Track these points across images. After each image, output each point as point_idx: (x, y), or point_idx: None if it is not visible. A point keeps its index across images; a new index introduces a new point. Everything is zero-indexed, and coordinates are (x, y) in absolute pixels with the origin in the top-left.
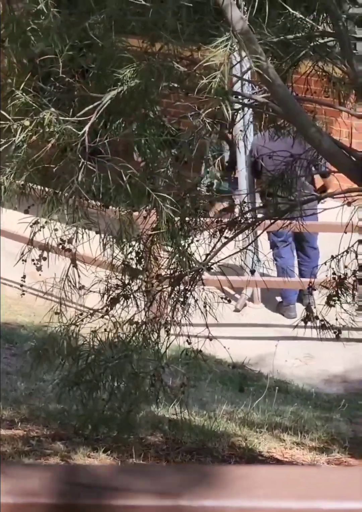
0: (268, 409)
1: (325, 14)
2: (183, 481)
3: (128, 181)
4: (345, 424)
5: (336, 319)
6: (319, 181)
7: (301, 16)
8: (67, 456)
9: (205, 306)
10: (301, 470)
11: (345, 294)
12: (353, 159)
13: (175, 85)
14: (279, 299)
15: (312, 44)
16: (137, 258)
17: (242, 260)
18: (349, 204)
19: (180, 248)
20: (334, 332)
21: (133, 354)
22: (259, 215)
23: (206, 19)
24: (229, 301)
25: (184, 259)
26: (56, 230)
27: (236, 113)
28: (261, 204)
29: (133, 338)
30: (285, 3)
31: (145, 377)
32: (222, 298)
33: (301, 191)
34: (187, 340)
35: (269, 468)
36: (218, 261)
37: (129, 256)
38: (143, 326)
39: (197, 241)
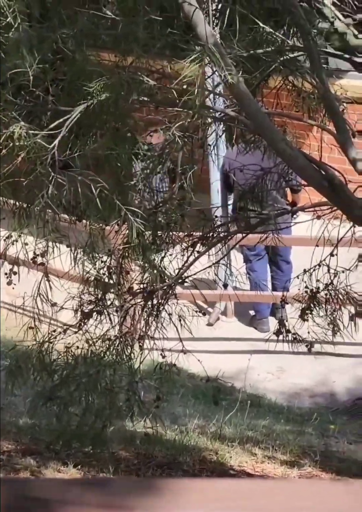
0: (240, 423)
1: (294, 29)
2: (134, 494)
3: (99, 195)
4: (316, 438)
5: (308, 333)
6: (290, 195)
7: (271, 30)
8: (38, 471)
9: (178, 320)
10: (253, 483)
11: (317, 308)
12: (323, 172)
13: (146, 98)
14: (252, 313)
15: (282, 58)
16: (109, 272)
17: (215, 274)
18: (318, 217)
19: (151, 262)
20: (306, 346)
21: (107, 369)
22: (232, 229)
23: (177, 33)
24: (204, 314)
25: (156, 273)
26: (26, 244)
27: (207, 127)
28: (233, 218)
29: (107, 353)
30: (256, 18)
31: (119, 392)
32: (196, 311)
33: (273, 204)
34: (161, 354)
35: (223, 481)
36: (191, 275)
37: (101, 270)
38: (117, 341)
39: (170, 255)
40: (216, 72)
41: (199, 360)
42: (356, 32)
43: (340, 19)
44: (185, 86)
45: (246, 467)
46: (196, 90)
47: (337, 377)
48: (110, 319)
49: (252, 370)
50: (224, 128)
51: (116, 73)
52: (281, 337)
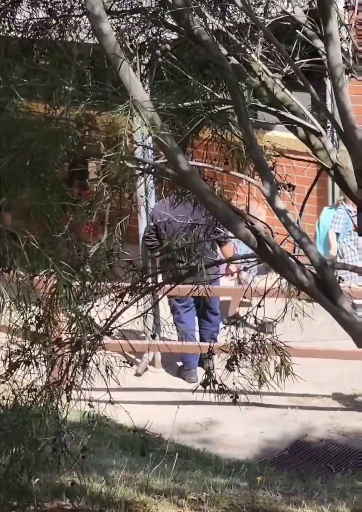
0: (167, 475)
1: (223, 82)
2: None
3: (26, 245)
4: (244, 490)
5: (234, 383)
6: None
7: (199, 84)
8: None
9: (106, 370)
10: None
11: (244, 358)
12: (249, 225)
13: (73, 150)
14: (180, 364)
15: (210, 111)
16: (37, 322)
17: (144, 324)
18: (245, 269)
19: (79, 313)
20: (231, 397)
21: (34, 420)
22: (160, 280)
23: (106, 85)
24: (131, 365)
25: (84, 324)
26: None
27: (136, 179)
28: (161, 269)
29: (34, 404)
30: (185, 71)
31: (46, 443)
32: (123, 361)
33: (202, 256)
34: (89, 405)
35: None
36: (119, 326)
37: (29, 320)
38: (44, 391)
39: (98, 305)
40: (144, 125)
41: (126, 411)
42: (283, 86)
43: (267, 74)
44: (113, 138)
45: None
46: (123, 143)
47: (265, 428)
48: (38, 369)
49: (180, 421)
50: (153, 180)
51: (46, 124)
52: (208, 388)
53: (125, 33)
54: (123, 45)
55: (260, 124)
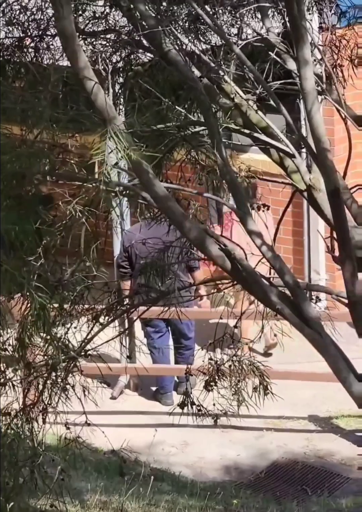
0: (142, 498)
1: (196, 104)
2: None
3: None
4: None
5: (214, 404)
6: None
7: (173, 105)
8: None
9: (82, 393)
10: None
11: (222, 380)
12: (223, 246)
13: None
14: (154, 388)
15: (184, 133)
16: (13, 345)
17: (119, 346)
18: (219, 290)
19: (54, 335)
20: (212, 418)
21: (9, 443)
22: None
23: (80, 108)
24: (108, 384)
25: (59, 346)
26: None
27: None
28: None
29: (9, 427)
30: (158, 92)
31: (22, 467)
32: (100, 382)
33: (175, 278)
34: (65, 427)
35: None
36: (94, 348)
37: (4, 344)
38: (19, 414)
39: (73, 328)
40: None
41: (103, 432)
42: (256, 108)
43: (241, 96)
44: (87, 161)
45: None
46: (97, 165)
47: (241, 450)
48: (13, 392)
49: (156, 443)
50: (127, 203)
51: (20, 146)
52: (185, 410)
53: (98, 54)
54: (96, 66)
55: (234, 146)
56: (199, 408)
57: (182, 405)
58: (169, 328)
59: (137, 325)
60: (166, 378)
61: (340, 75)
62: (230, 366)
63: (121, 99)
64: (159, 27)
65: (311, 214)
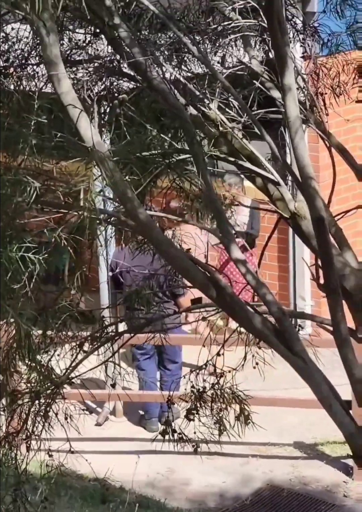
0: None
1: (181, 133)
2: None
3: None
4: None
5: (195, 433)
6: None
7: (158, 133)
8: None
9: (66, 420)
10: None
11: (204, 408)
12: (207, 274)
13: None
14: (141, 412)
15: (168, 161)
16: None
17: (105, 373)
18: (204, 319)
19: (38, 362)
20: (193, 446)
21: None
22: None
23: (65, 135)
24: (91, 413)
25: (44, 373)
26: None
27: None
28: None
29: None
30: (143, 121)
31: (5, 494)
32: (83, 410)
33: (161, 305)
34: (48, 454)
35: None
36: (79, 375)
37: None
38: (2, 442)
39: (58, 355)
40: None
41: (86, 460)
42: (241, 136)
43: (225, 123)
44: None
45: None
46: (83, 193)
47: (226, 478)
48: None
49: (141, 470)
50: (113, 230)
51: (5, 173)
52: (168, 436)
53: (84, 82)
54: (81, 95)
55: (219, 173)
56: (181, 436)
57: (163, 433)
58: (156, 350)
59: (123, 351)
60: (151, 404)
61: (323, 103)
62: (212, 394)
63: (106, 127)
64: (144, 55)
65: (296, 240)
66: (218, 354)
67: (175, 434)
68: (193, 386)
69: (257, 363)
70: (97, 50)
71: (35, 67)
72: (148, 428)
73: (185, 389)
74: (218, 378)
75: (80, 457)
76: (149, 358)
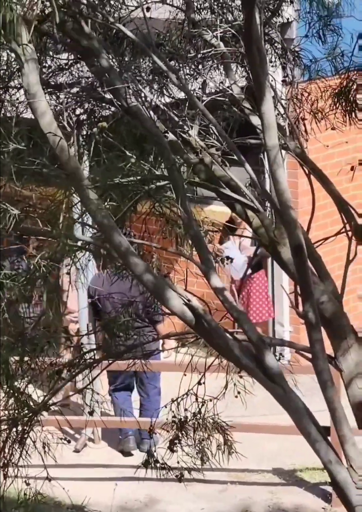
0: None
1: (160, 159)
2: None
3: None
4: None
5: (178, 462)
6: None
7: (137, 160)
8: None
9: (43, 448)
10: None
11: (186, 437)
12: (187, 301)
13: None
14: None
15: (148, 187)
16: None
17: (83, 400)
18: (183, 345)
19: (16, 389)
20: (176, 476)
21: None
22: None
23: (44, 161)
24: (68, 442)
25: (21, 400)
26: None
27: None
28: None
29: None
30: (122, 147)
31: None
32: (61, 438)
33: (140, 332)
34: (25, 482)
35: None
36: (57, 402)
37: None
38: None
39: (35, 381)
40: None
41: (64, 488)
42: (220, 163)
43: (205, 150)
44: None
45: None
46: (61, 220)
47: (205, 504)
48: None
49: (121, 497)
50: (91, 257)
51: None
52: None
53: (63, 107)
54: (61, 121)
55: (199, 199)
56: (163, 465)
57: (145, 464)
58: (134, 376)
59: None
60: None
61: (303, 128)
62: (193, 424)
63: (86, 153)
64: (124, 81)
65: (275, 267)
66: (199, 383)
67: (158, 464)
68: (174, 416)
69: (239, 392)
70: (79, 73)
71: (14, 91)
72: (125, 448)
73: (166, 418)
74: (200, 407)
75: (58, 485)
76: (127, 384)
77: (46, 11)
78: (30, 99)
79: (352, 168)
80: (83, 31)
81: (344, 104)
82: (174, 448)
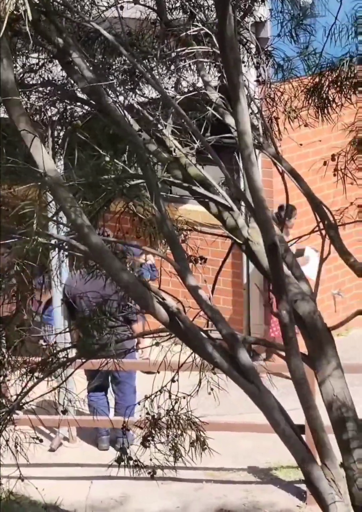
0: None
1: (134, 157)
2: None
3: None
4: None
5: (151, 459)
6: None
7: (111, 158)
8: None
9: (15, 447)
10: None
11: (159, 434)
12: (160, 299)
13: None
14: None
15: (122, 186)
16: None
17: (56, 399)
18: (157, 344)
19: None
20: (149, 472)
21: None
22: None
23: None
24: (41, 441)
25: None
26: None
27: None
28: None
29: None
30: (97, 145)
31: None
32: (33, 438)
33: (114, 331)
34: None
35: None
36: (31, 401)
37: None
38: None
39: (8, 380)
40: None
41: (37, 488)
42: (195, 162)
43: (179, 149)
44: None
45: None
46: (35, 218)
47: (180, 502)
48: None
49: (95, 496)
50: (65, 255)
51: None
52: (124, 463)
53: (37, 106)
54: (34, 118)
55: (173, 198)
56: (136, 462)
57: (118, 460)
58: (109, 374)
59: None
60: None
61: (276, 128)
62: (167, 420)
63: (60, 152)
64: (97, 80)
65: (250, 265)
66: (173, 380)
67: (131, 461)
68: (147, 413)
69: (212, 389)
70: (51, 73)
71: None
72: (99, 446)
73: (140, 415)
74: (173, 404)
75: (33, 484)
76: (101, 382)
77: (20, 10)
78: (4, 96)
79: (325, 163)
80: (57, 29)
81: (316, 100)
82: (147, 444)
